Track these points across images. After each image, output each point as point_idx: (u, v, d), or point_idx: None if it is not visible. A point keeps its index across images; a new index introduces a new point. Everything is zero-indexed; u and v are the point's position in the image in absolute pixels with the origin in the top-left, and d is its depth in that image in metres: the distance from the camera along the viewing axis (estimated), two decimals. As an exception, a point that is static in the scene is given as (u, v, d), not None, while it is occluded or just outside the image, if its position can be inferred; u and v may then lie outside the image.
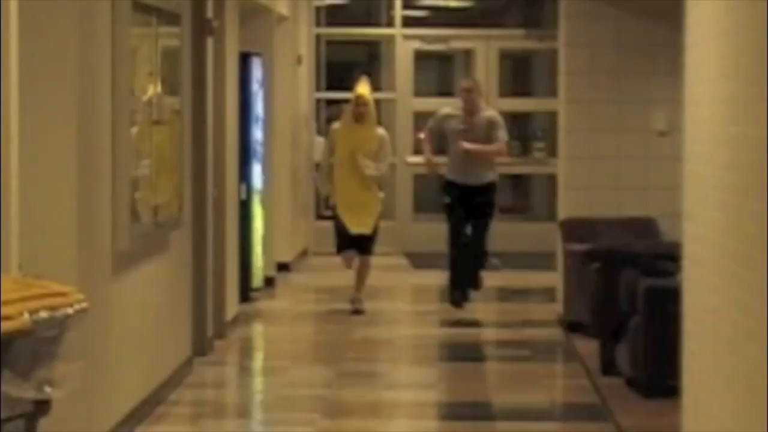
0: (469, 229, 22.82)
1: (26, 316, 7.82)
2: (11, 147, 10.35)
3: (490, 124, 22.51)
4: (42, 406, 8.21)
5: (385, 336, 20.75)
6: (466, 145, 21.25)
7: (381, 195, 23.04)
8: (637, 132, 19.66)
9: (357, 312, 22.15)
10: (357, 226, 21.72)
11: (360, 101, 22.17)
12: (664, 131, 18.69)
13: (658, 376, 13.28)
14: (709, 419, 9.73)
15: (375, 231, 22.67)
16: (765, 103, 8.26)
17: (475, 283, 22.20)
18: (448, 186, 21.71)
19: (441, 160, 23.14)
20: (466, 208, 21.64)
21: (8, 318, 7.63)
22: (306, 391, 16.67)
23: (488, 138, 22.73)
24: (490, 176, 22.28)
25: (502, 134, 22.59)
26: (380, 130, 23.07)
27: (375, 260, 24.56)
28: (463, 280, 22.28)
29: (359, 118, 21.98)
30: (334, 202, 22.33)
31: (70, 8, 11.91)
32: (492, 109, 23.26)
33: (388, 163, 23.15)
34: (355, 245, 22.02)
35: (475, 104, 21.84)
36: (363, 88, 22.46)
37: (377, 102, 32.28)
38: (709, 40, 10.03)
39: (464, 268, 22.07)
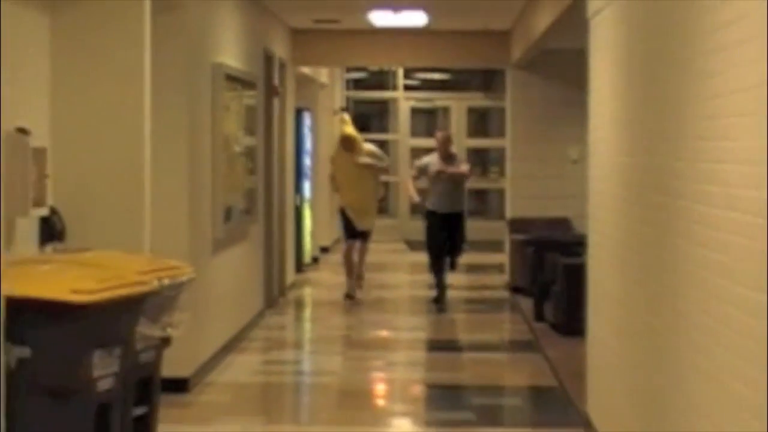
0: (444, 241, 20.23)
1: (155, 282, 7.85)
2: (145, 173, 10.39)
3: (459, 158, 20.73)
4: (165, 341, 8.24)
5: (389, 296, 20.72)
6: (449, 169, 19.34)
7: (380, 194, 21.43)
8: (558, 160, 20.12)
9: (349, 298, 19.89)
10: (361, 224, 19.95)
11: (345, 139, 20.04)
12: (576, 160, 18.95)
13: (572, 322, 13.37)
14: (604, 349, 9.77)
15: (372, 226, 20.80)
16: (641, 141, 8.32)
17: (453, 266, 20.39)
18: (430, 214, 19.90)
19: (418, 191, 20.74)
20: (446, 229, 19.67)
21: (143, 283, 7.66)
22: (337, 332, 16.79)
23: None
24: (462, 206, 20.17)
25: (465, 165, 20.63)
26: (368, 146, 20.57)
27: (383, 245, 26.01)
28: (441, 282, 19.88)
29: (348, 148, 19.86)
30: (342, 205, 20.23)
31: (185, 78, 11.95)
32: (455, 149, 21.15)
33: (386, 163, 20.87)
34: (358, 236, 20.18)
35: (448, 148, 19.86)
36: (348, 128, 20.32)
37: (384, 142, 32.48)
38: (604, 99, 10.03)
39: (441, 273, 19.82)
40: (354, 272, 19.88)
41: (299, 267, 22.66)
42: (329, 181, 21.19)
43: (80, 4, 10.24)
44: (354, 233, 20.01)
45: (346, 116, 21.22)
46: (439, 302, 19.36)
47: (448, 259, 19.87)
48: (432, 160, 19.57)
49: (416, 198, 20.10)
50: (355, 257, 20.13)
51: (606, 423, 9.75)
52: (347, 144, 19.86)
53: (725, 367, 5.93)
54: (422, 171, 19.75)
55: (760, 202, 5.22)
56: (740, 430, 5.61)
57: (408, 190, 21.09)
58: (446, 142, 19.84)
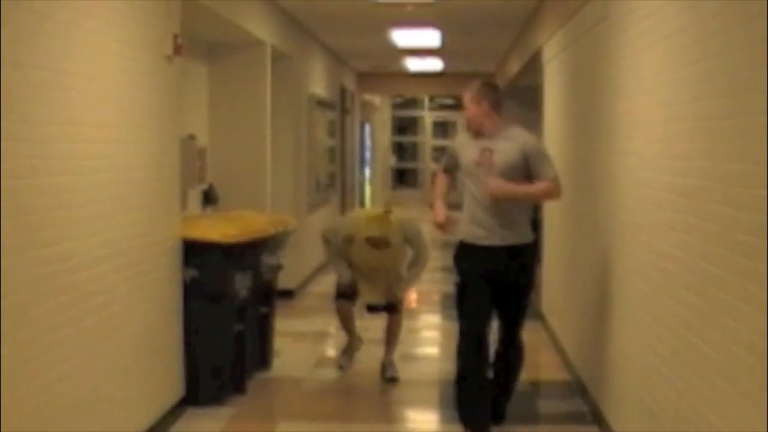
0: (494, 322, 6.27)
1: (273, 229, 7.86)
2: (267, 162, 10.45)
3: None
4: (279, 266, 8.15)
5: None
6: (494, 159, 6.13)
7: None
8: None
9: (392, 380, 7.92)
10: (373, 295, 7.96)
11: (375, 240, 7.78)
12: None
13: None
14: (553, 307, 9.64)
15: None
16: (573, 143, 8.30)
17: (501, 413, 6.49)
18: (464, 249, 6.25)
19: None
20: (497, 282, 6.13)
21: (265, 230, 7.63)
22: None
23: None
24: (527, 235, 6.26)
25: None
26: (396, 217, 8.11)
27: (411, 208, 21.95)
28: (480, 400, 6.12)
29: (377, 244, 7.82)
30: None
31: (291, 102, 11.99)
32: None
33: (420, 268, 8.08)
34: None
35: (485, 119, 6.21)
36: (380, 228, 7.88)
37: (414, 143, 32.29)
38: (552, 117, 9.98)
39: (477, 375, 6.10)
40: (351, 317, 8.27)
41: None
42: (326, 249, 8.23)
43: (227, 57, 10.33)
44: (354, 295, 8.12)
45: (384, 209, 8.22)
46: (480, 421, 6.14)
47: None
48: (463, 142, 6.32)
49: (441, 217, 6.28)
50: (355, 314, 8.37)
51: (557, 327, 9.73)
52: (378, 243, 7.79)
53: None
54: (453, 163, 6.39)
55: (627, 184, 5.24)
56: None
57: (434, 206, 6.41)
58: (481, 100, 6.18)
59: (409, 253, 8.02)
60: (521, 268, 6.25)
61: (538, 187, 6.19)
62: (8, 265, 4.25)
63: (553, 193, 6.26)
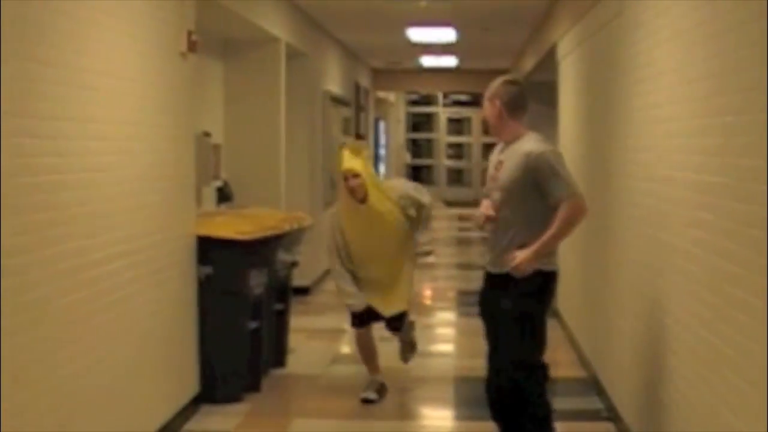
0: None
1: (288, 226, 7.84)
2: (281, 159, 10.47)
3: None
4: (294, 263, 8.18)
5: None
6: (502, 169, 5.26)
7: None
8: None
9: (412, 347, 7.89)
10: (389, 306, 7.26)
11: (348, 174, 6.92)
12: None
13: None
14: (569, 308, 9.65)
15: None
16: (589, 138, 8.30)
17: None
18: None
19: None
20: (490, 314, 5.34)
21: (280, 227, 7.63)
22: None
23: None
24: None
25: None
26: (394, 183, 7.57)
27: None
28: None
29: (353, 194, 6.97)
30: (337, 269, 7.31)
31: (306, 99, 11.98)
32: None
33: (426, 199, 7.24)
34: (373, 319, 7.40)
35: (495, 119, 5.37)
36: (349, 161, 6.97)
37: (430, 139, 32.26)
38: (567, 113, 9.99)
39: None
40: (373, 351, 7.55)
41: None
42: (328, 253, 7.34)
43: (242, 55, 10.35)
44: (370, 317, 7.36)
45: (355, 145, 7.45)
46: None
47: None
48: (494, 152, 5.40)
49: (487, 209, 5.24)
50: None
51: (568, 316, 9.73)
52: (351, 185, 6.95)
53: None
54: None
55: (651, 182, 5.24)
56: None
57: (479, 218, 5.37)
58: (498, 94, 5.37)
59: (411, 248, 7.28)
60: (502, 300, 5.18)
61: (555, 225, 5.02)
62: (26, 261, 4.28)
63: (574, 215, 5.05)
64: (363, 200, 7.01)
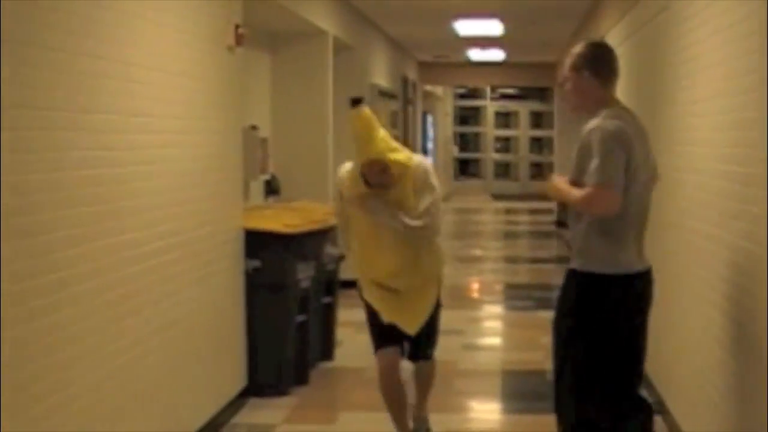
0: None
1: (334, 220, 7.90)
2: (329, 152, 10.47)
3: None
4: (341, 257, 8.02)
5: (474, 224, 20.42)
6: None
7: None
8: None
9: None
10: (409, 322, 5.44)
11: (376, 167, 5.42)
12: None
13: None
14: None
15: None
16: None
17: None
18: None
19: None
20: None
21: (328, 221, 7.60)
22: (449, 250, 16.12)
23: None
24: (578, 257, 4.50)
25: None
26: (400, 156, 5.42)
27: (473, 198, 23.50)
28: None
29: (377, 178, 5.47)
30: (363, 282, 5.69)
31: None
32: None
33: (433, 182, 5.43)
34: (400, 341, 5.51)
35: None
36: (374, 147, 5.51)
37: (478, 133, 32.19)
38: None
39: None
40: (403, 404, 5.58)
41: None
42: (339, 231, 6.14)
43: (289, 48, 10.38)
44: (394, 336, 5.47)
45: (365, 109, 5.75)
46: None
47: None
48: None
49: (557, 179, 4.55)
50: (404, 377, 5.64)
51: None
52: (375, 171, 5.46)
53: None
54: None
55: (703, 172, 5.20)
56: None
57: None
58: None
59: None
60: None
61: (575, 195, 4.31)
62: (74, 254, 4.32)
63: (588, 204, 4.22)
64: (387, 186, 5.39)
